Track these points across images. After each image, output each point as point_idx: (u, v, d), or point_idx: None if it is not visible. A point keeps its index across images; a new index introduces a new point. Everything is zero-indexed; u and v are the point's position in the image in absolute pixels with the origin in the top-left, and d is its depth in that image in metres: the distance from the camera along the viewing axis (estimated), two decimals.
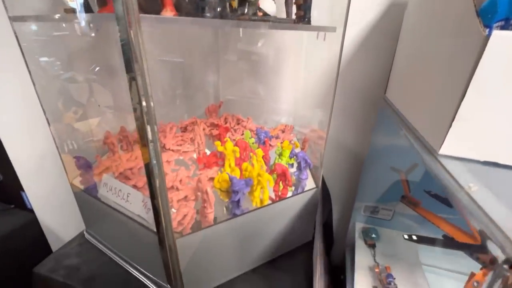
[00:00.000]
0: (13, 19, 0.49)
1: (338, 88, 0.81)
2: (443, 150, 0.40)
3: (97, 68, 0.73)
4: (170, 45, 0.86)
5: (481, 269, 0.54)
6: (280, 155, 0.63)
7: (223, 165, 0.66)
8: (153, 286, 0.55)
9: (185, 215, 0.50)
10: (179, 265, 0.49)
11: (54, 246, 1.09)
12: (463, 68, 0.36)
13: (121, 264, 0.60)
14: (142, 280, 0.57)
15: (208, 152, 0.70)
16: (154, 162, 0.39)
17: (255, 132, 0.77)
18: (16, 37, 0.50)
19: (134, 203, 0.52)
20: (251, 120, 0.86)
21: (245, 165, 0.61)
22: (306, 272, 0.61)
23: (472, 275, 0.54)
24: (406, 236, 0.59)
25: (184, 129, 0.86)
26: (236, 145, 0.64)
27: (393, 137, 0.74)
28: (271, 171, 0.62)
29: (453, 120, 0.37)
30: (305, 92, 0.83)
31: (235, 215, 0.54)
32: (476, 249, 0.56)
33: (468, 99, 0.35)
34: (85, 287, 0.56)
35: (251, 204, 0.57)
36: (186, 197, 0.55)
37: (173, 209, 0.52)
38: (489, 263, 0.54)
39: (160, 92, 0.93)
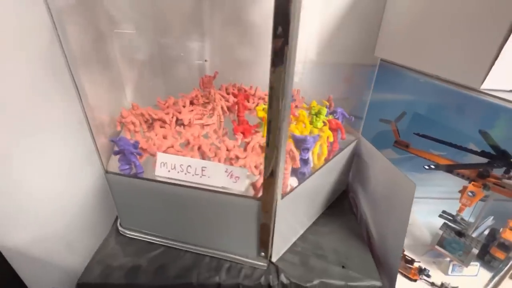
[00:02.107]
0: None
1: (327, 53, 0.86)
2: (485, 85, 0.50)
3: None
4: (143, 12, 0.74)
5: (469, 182, 0.71)
6: (318, 113, 0.66)
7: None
8: (240, 258, 0.53)
9: None
10: (274, 230, 0.49)
11: (17, 264, 0.87)
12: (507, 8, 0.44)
13: (185, 249, 0.55)
14: (220, 257, 0.54)
15: None
16: (283, 118, 0.37)
17: None
18: None
19: (214, 176, 0.47)
20: (259, 89, 0.84)
21: (293, 126, 0.62)
22: (352, 213, 0.69)
23: (465, 188, 0.71)
24: (426, 167, 0.72)
25: (191, 103, 0.78)
26: None
27: (386, 92, 0.86)
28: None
29: (497, 56, 0.46)
30: (306, 53, 0.85)
31: (302, 174, 0.56)
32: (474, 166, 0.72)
33: None
34: (159, 280, 0.49)
35: None
36: (260, 163, 0.53)
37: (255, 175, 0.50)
38: (476, 176, 0.72)
39: (135, 72, 0.81)
